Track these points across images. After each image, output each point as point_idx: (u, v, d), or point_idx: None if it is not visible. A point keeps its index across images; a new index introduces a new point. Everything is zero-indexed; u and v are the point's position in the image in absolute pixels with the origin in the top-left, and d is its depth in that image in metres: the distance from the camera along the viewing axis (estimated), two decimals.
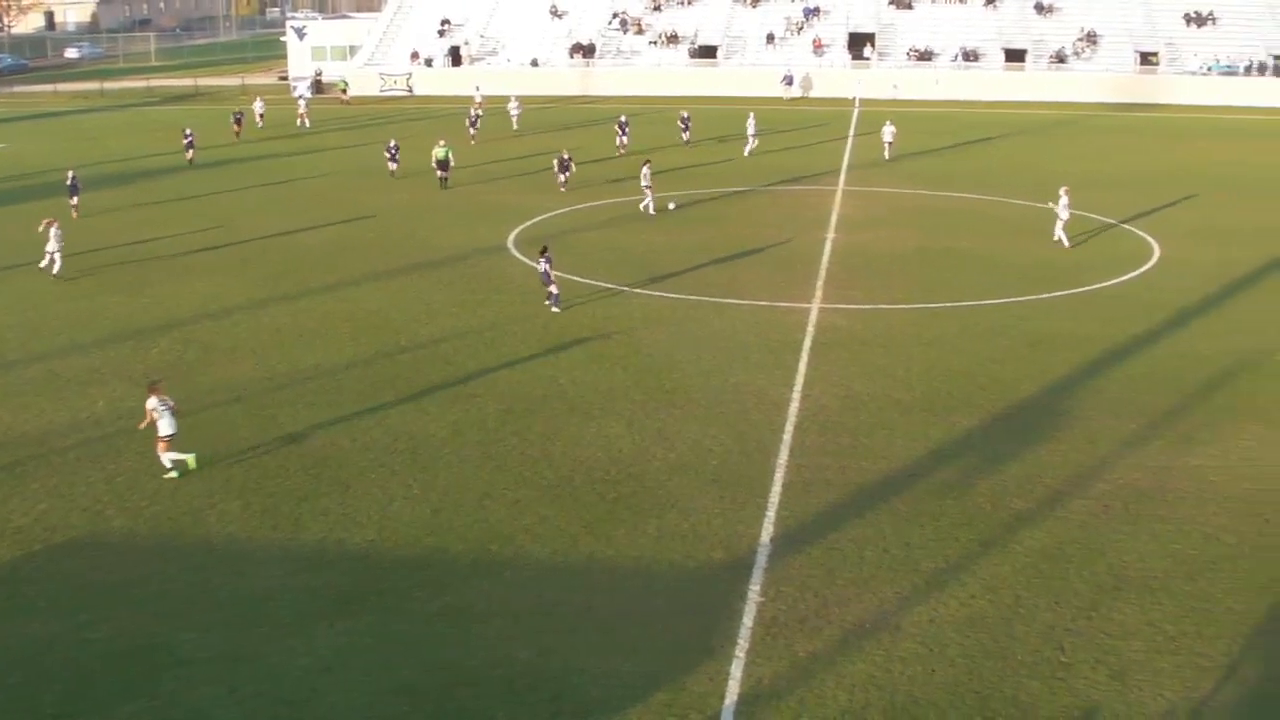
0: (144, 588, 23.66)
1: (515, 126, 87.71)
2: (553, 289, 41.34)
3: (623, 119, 79.00)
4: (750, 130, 76.41)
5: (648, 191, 57.38)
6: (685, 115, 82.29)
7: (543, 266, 41.46)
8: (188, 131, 74.98)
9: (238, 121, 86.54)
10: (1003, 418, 32.18)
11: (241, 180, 68.93)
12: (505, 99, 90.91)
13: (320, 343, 38.56)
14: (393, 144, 69.74)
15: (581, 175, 64.57)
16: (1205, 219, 56.37)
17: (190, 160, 73.48)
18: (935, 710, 19.66)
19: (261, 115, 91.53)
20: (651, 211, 57.30)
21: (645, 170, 57.90)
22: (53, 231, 46.76)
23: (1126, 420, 31.83)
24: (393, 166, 68.82)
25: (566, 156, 64.02)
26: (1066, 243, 50.35)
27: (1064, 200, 50.52)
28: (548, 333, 39.33)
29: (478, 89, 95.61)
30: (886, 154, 73.69)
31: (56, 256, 46.92)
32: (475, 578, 23.95)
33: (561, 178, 63.14)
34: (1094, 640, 21.66)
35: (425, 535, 25.75)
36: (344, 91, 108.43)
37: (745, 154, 75.02)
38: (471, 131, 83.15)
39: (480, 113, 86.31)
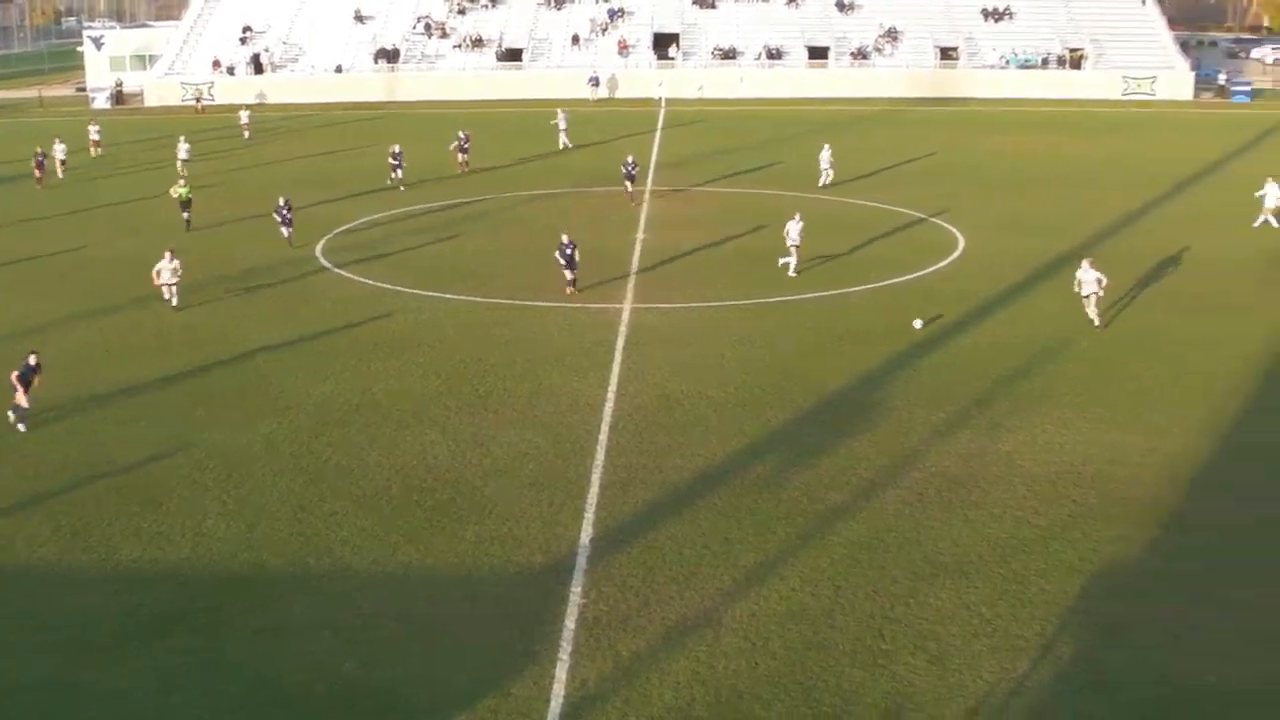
0: None
1: (246, 136, 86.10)
2: (23, 401, 31.84)
3: (559, 115, 78.90)
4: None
5: (794, 250, 45.64)
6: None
7: (19, 374, 31.94)
8: None
9: (39, 165, 68.21)
10: (816, 411, 32.61)
11: (50, 197, 66.86)
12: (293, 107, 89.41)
13: (131, 359, 37.54)
14: (282, 203, 52.31)
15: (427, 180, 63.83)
16: (1007, 210, 57.76)
17: None
18: (760, 703, 19.84)
19: (63, 162, 71.39)
20: (791, 273, 45.81)
21: (794, 227, 45.35)
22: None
23: (936, 409, 32.49)
24: (286, 232, 52.26)
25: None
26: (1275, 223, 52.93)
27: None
28: (359, 342, 38.81)
29: (246, 109, 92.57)
30: (824, 180, 64.17)
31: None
32: (295, 592, 23.59)
33: None
34: (913, 626, 22.07)
35: (241, 551, 25.27)
36: (199, 100, 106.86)
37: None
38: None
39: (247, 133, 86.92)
